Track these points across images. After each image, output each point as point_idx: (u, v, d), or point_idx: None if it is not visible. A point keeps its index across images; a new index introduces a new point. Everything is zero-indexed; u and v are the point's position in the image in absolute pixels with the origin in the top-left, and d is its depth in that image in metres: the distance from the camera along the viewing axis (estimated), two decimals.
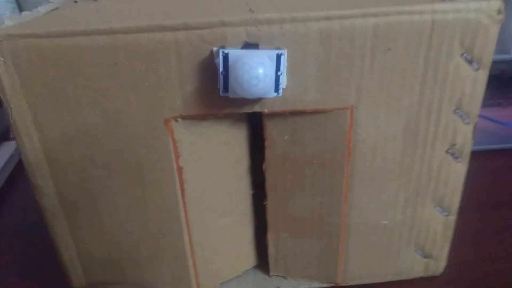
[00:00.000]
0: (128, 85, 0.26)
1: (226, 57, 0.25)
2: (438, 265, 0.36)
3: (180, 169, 0.30)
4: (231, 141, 0.31)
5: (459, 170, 0.32)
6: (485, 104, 0.64)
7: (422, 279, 0.36)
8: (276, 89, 0.26)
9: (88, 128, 0.28)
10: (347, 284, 0.36)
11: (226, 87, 0.26)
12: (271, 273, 0.37)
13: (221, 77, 0.25)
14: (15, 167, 0.56)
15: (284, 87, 0.27)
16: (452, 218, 0.34)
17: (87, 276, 0.33)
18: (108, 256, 0.32)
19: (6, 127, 0.60)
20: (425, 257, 0.35)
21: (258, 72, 0.24)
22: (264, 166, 0.32)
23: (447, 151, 0.31)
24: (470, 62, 0.28)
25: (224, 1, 0.32)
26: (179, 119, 0.28)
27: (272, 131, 0.30)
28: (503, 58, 0.66)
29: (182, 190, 0.31)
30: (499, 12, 0.26)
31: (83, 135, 0.28)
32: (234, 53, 0.25)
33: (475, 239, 0.41)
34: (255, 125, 0.32)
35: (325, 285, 0.36)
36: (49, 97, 0.26)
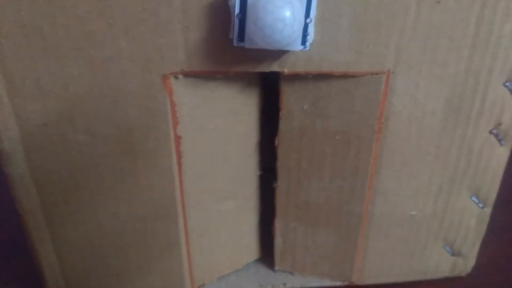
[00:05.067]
0: (120, 28, 0.21)
1: None
2: (467, 264, 0.32)
3: (178, 138, 0.25)
4: (240, 109, 0.26)
5: (501, 154, 0.27)
6: None
7: (446, 280, 0.32)
8: (303, 41, 0.21)
9: (68, 80, 0.22)
10: (363, 284, 0.32)
11: (241, 35, 0.21)
12: (276, 268, 0.32)
13: (236, 21, 0.21)
14: None
15: (311, 41, 0.22)
16: (488, 210, 0.30)
17: (61, 263, 0.28)
18: (87, 241, 0.27)
19: None
20: (453, 254, 0.31)
21: (284, 13, 0.19)
22: (276, 141, 0.27)
23: (491, 132, 0.27)
24: None
25: None
26: (180, 76, 0.23)
27: (290, 99, 0.25)
28: None
29: (179, 164, 0.26)
30: None
31: (61, 90, 0.23)
32: None
33: (503, 237, 0.37)
34: (269, 91, 0.27)
35: (338, 283, 0.31)
36: (21, 38, 0.21)
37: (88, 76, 0.22)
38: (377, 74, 0.24)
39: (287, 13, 0.19)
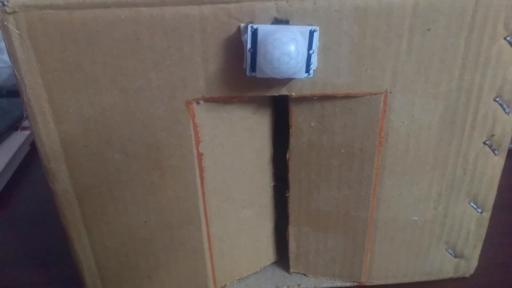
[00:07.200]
0: (149, 62, 0.25)
1: (255, 32, 0.23)
2: (469, 265, 0.34)
3: (200, 155, 0.28)
4: (254, 127, 0.30)
5: (496, 163, 0.30)
6: None
7: (451, 280, 0.34)
8: (307, 69, 0.24)
9: (105, 108, 0.26)
10: (372, 284, 0.34)
11: (253, 66, 0.24)
12: (291, 270, 0.35)
13: (248, 54, 0.24)
14: (24, 158, 0.55)
15: (315, 68, 0.25)
16: (487, 215, 0.32)
17: (99, 267, 0.32)
18: (122, 247, 0.31)
19: (15, 117, 0.58)
20: (456, 256, 0.33)
21: (289, 48, 0.22)
22: (287, 156, 0.30)
23: (484, 143, 0.29)
24: None
25: None
26: (201, 102, 0.26)
27: (298, 118, 0.28)
28: None
29: (202, 178, 0.29)
30: None
31: (100, 116, 0.26)
32: (264, 28, 0.23)
33: (505, 239, 0.39)
34: (280, 111, 0.30)
35: (348, 284, 0.34)
36: (65, 74, 0.25)
37: (122, 104, 0.26)
38: (375, 94, 0.27)
39: (292, 48, 0.22)
